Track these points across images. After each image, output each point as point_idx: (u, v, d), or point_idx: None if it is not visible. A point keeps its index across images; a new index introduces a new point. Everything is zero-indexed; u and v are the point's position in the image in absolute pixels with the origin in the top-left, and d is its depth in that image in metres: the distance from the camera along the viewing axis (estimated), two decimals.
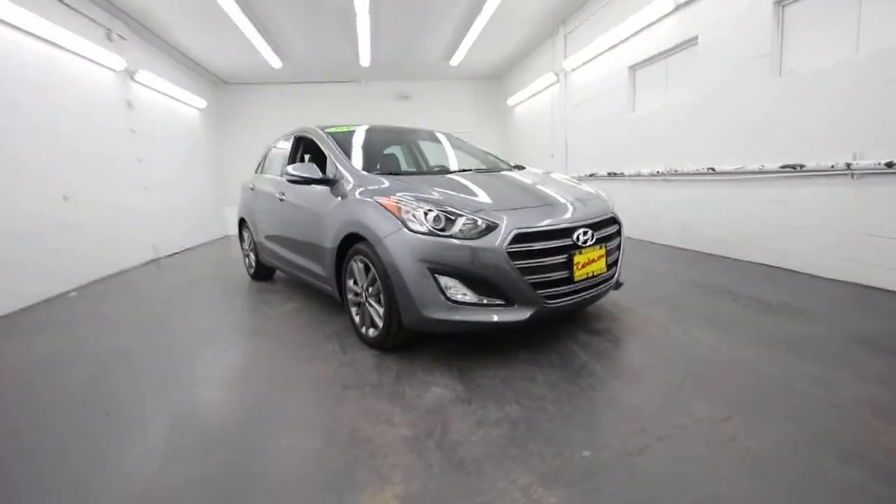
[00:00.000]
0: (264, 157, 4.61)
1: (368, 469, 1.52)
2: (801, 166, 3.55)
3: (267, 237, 4.13)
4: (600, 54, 6.40)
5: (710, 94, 4.51)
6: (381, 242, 2.33)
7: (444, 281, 2.18)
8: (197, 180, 8.80)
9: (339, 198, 2.81)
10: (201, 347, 2.81)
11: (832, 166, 3.30)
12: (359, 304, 2.69)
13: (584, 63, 6.93)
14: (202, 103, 8.86)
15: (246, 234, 4.75)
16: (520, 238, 2.19)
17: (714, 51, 4.40)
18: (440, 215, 2.23)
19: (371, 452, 1.61)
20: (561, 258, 2.27)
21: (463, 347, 2.52)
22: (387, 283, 2.32)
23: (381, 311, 2.45)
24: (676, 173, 5.01)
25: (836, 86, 3.32)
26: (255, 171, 4.72)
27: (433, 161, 3.94)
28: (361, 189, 2.68)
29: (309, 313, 3.40)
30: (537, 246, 2.22)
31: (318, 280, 3.18)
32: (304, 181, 3.09)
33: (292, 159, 3.79)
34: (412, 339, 2.51)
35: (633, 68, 5.81)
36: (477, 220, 2.21)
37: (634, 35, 5.57)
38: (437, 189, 2.49)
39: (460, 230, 2.19)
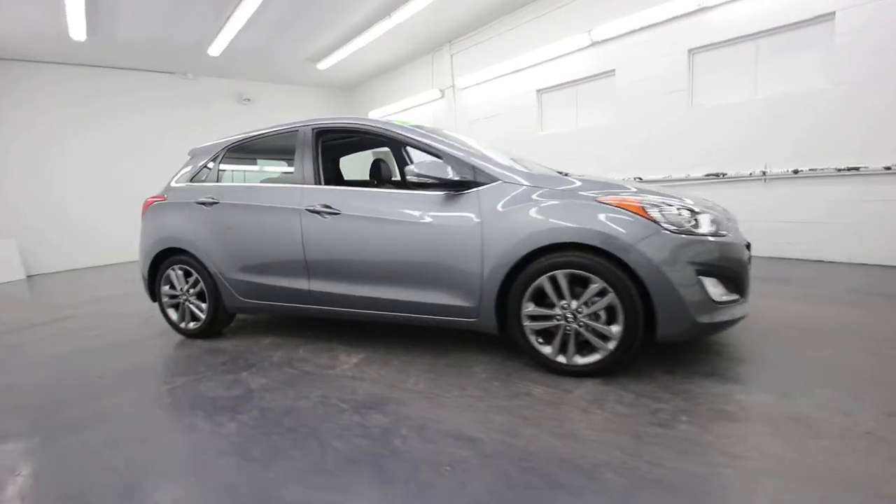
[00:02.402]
0: (215, 159, 3.20)
1: None
2: (724, 174, 4.76)
3: (255, 268, 2.88)
4: (503, 76, 6.93)
5: (629, 117, 5.51)
6: (633, 248, 2.00)
7: (706, 282, 2.05)
8: None
9: (483, 205, 2.27)
10: None
11: (750, 174, 4.56)
12: (549, 332, 2.22)
13: (479, 83, 7.35)
14: None
15: (176, 275, 3.17)
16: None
17: (633, 82, 5.41)
18: (691, 213, 2.09)
19: None
20: None
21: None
22: (628, 295, 2.01)
23: (614, 329, 2.09)
24: None
25: (740, 116, 4.60)
26: (191, 180, 3.23)
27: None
28: (543, 191, 2.23)
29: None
30: None
31: (437, 313, 2.44)
32: (439, 184, 2.34)
33: (313, 160, 2.79)
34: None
35: (541, 91, 6.54)
36: (715, 216, 2.17)
37: (545, 62, 6.29)
38: (633, 186, 2.30)
39: (710, 227, 2.11)
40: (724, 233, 2.14)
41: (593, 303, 2.12)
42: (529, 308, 2.22)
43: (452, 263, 2.34)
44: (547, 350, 2.24)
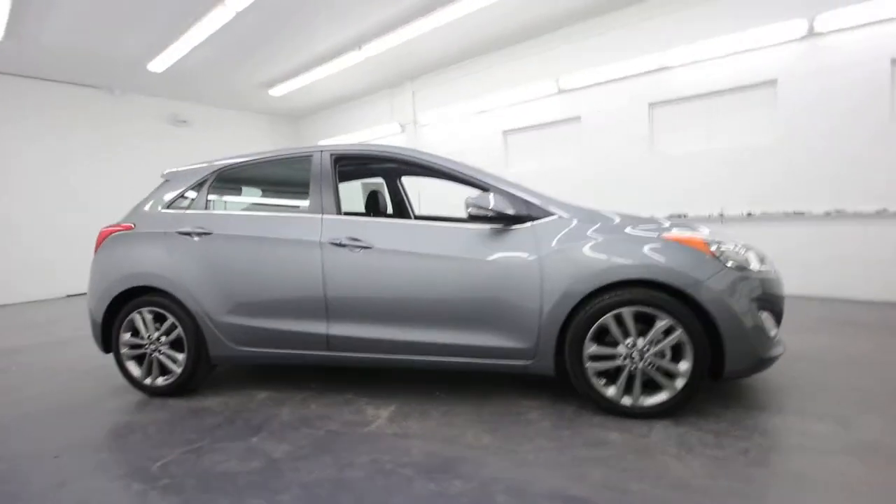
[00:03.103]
0: (202, 185, 2.75)
1: None
2: (685, 215, 5.17)
3: (255, 311, 2.47)
4: (469, 115, 7.06)
5: (593, 160, 5.86)
6: (703, 285, 2.00)
7: (763, 316, 2.11)
8: None
9: (540, 241, 2.17)
10: None
11: (709, 215, 5.00)
12: (610, 373, 2.12)
13: (443, 121, 7.43)
14: None
15: (143, 319, 2.60)
16: None
17: (598, 129, 5.79)
18: (745, 250, 2.16)
19: None
20: None
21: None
22: (697, 332, 1.99)
23: (682, 367, 2.03)
24: None
25: (697, 164, 5.09)
26: (169, 207, 2.74)
27: None
28: (599, 226, 2.18)
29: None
30: None
31: (485, 356, 2.23)
32: (493, 218, 2.18)
33: (333, 189, 2.51)
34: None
35: (508, 132, 6.76)
36: (759, 253, 2.27)
37: (512, 105, 6.54)
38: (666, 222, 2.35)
39: (759, 264, 2.19)
40: (768, 268, 2.24)
41: (659, 341, 2.07)
42: (592, 348, 2.11)
43: (508, 302, 2.17)
44: (611, 392, 2.12)
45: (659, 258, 2.05)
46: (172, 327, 2.58)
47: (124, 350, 2.67)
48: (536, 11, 5.45)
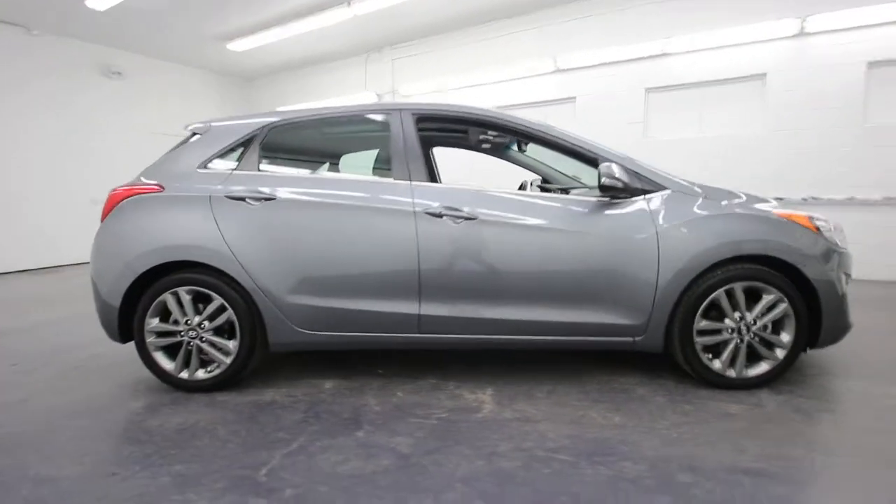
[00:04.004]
0: (250, 141, 2.31)
1: None
2: None
3: (332, 289, 2.16)
4: (459, 89, 6.78)
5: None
6: (811, 260, 2.07)
7: (847, 289, 2.25)
8: None
9: (656, 214, 2.12)
10: None
11: None
12: (714, 347, 2.15)
13: (428, 92, 7.08)
14: None
15: (180, 301, 2.17)
16: None
17: (593, 110, 5.86)
18: (833, 227, 2.27)
19: None
20: None
21: None
22: (801, 305, 2.08)
23: (785, 339, 2.11)
24: None
25: (690, 150, 5.36)
26: (207, 166, 2.27)
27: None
28: (711, 202, 2.17)
29: None
30: None
31: (594, 333, 2.15)
32: (623, 190, 2.07)
33: (421, 153, 2.25)
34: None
35: (498, 109, 6.60)
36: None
37: (507, 81, 6.40)
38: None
39: (841, 240, 2.32)
40: (845, 245, 2.39)
41: (764, 314, 2.13)
42: (702, 323, 2.13)
43: (625, 277, 2.11)
44: (717, 365, 2.16)
45: (775, 234, 2.09)
46: (220, 310, 2.18)
47: (151, 339, 2.21)
48: None
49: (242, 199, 2.18)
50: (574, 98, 6.03)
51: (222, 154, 2.31)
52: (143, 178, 2.31)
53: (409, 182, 2.19)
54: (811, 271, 2.08)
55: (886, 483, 1.50)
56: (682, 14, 5.18)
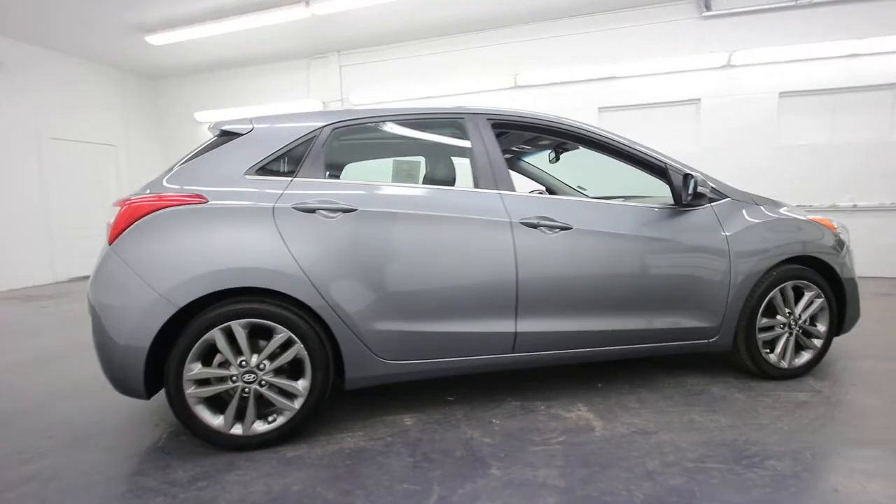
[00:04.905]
0: (308, 144, 1.95)
1: None
2: None
3: (424, 311, 1.92)
4: (416, 99, 6.62)
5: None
6: (842, 260, 2.38)
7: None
8: None
9: (724, 221, 2.27)
10: None
11: None
12: (773, 341, 2.34)
13: (384, 102, 6.81)
14: None
15: (235, 338, 1.74)
16: None
17: None
18: (843, 228, 2.62)
19: None
20: None
21: None
22: (834, 299, 2.39)
23: (822, 329, 2.37)
24: None
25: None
26: (259, 172, 1.88)
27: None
28: (761, 208, 2.38)
29: None
30: None
31: (677, 338, 2.22)
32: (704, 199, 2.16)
33: (500, 160, 2.13)
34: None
35: None
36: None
37: (462, 95, 6.42)
38: None
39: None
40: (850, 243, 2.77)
41: (806, 309, 2.37)
42: (763, 321, 2.31)
43: (704, 281, 2.21)
44: (773, 358, 2.35)
45: (815, 237, 2.36)
46: (286, 345, 1.80)
47: (191, 389, 1.74)
48: (489, 4, 5.47)
49: (313, 210, 1.84)
50: None
51: (276, 158, 1.93)
52: (168, 185, 1.83)
53: (497, 191, 2.05)
54: (840, 268, 2.38)
55: None
56: (631, 40, 5.73)
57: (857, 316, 2.52)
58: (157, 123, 8.22)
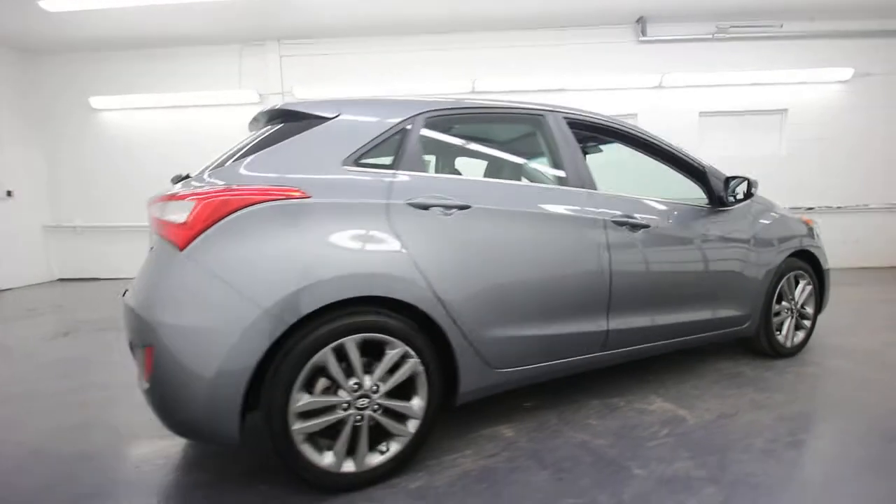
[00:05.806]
0: (401, 134, 1.73)
1: None
2: None
3: (533, 314, 1.84)
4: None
5: None
6: (822, 252, 2.82)
7: None
8: None
9: (750, 218, 2.57)
10: None
11: None
12: (781, 323, 2.69)
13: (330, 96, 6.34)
14: None
15: (345, 357, 1.48)
16: None
17: None
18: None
19: None
20: None
21: None
22: (815, 286, 2.83)
23: (810, 311, 2.80)
24: None
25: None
26: (357, 162, 1.61)
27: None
28: (768, 207, 2.73)
29: None
30: None
31: (718, 327, 2.45)
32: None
33: (582, 158, 2.14)
34: None
35: None
36: None
37: (421, 97, 6.26)
38: None
39: None
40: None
41: (800, 295, 2.79)
42: (776, 307, 2.65)
43: (741, 274, 2.46)
44: (780, 338, 2.71)
45: (808, 233, 2.79)
46: (400, 361, 1.57)
47: (298, 425, 1.42)
48: (444, 7, 5.48)
49: (426, 207, 1.64)
50: None
51: (371, 148, 1.67)
52: (246, 173, 1.48)
53: (585, 190, 2.05)
54: (821, 259, 2.84)
55: None
56: (579, 56, 6.15)
57: (828, 299, 3.02)
58: (40, 108, 6.64)
